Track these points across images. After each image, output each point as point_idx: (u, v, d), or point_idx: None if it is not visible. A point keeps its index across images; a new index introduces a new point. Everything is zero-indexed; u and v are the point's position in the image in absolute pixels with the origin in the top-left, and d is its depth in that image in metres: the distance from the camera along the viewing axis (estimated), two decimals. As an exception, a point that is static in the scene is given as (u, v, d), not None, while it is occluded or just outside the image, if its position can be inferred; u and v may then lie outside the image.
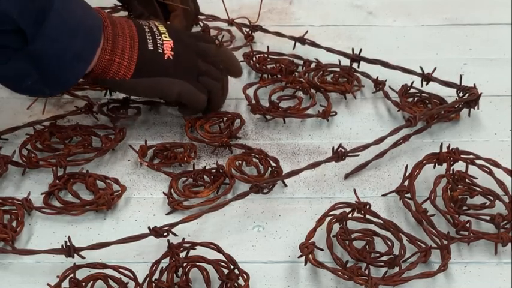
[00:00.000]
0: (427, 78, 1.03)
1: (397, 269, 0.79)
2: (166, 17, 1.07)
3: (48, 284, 0.77)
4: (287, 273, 0.81)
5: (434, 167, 0.92)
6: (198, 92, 0.96)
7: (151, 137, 0.99)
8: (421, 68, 1.04)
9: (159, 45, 0.94)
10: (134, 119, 1.00)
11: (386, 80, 1.05)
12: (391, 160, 0.95)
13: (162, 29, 0.96)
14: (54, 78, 0.88)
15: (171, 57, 0.94)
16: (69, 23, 0.86)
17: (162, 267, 0.79)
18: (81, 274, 0.78)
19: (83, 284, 0.77)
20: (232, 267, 0.78)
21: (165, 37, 0.95)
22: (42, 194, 0.89)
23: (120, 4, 1.14)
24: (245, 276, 0.78)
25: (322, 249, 0.81)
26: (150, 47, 0.93)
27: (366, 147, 0.91)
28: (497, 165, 0.90)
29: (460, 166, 0.91)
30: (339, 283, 0.79)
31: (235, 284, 0.77)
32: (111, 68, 0.91)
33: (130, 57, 0.91)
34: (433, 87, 1.04)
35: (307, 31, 1.12)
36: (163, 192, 0.90)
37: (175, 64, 0.94)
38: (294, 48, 1.11)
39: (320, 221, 0.83)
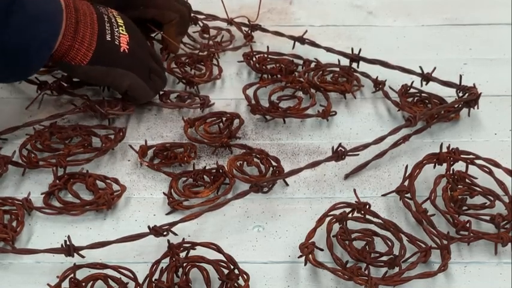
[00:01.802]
0: (426, 78, 1.03)
1: (397, 269, 0.79)
2: (156, 26, 1.09)
3: (48, 284, 0.77)
4: (287, 273, 0.81)
5: (434, 167, 0.92)
6: (148, 88, 1.00)
7: (151, 137, 0.99)
8: (420, 68, 1.04)
9: (116, 37, 0.97)
10: (127, 114, 1.00)
11: (386, 80, 1.05)
12: (391, 160, 0.95)
13: (120, 21, 0.99)
14: (19, 66, 0.90)
15: (126, 50, 0.97)
16: (31, 12, 0.87)
17: (162, 267, 0.79)
18: (81, 274, 0.78)
19: (83, 284, 0.77)
20: (232, 267, 0.78)
21: (122, 30, 0.98)
22: (42, 194, 0.89)
23: None
24: (245, 276, 0.78)
25: (322, 249, 0.81)
26: (108, 37, 0.96)
27: (365, 146, 0.91)
28: (497, 165, 0.90)
29: (460, 166, 0.91)
30: (339, 283, 0.79)
31: (235, 284, 0.77)
32: (70, 52, 0.93)
33: (89, 45, 0.94)
34: (432, 87, 1.04)
35: (306, 31, 1.12)
36: (163, 192, 0.90)
37: (129, 58, 0.97)
38: (293, 48, 1.11)
39: (320, 221, 0.83)
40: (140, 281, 0.78)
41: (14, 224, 0.85)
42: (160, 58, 1.07)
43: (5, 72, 0.90)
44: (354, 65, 1.08)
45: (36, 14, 0.88)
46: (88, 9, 0.96)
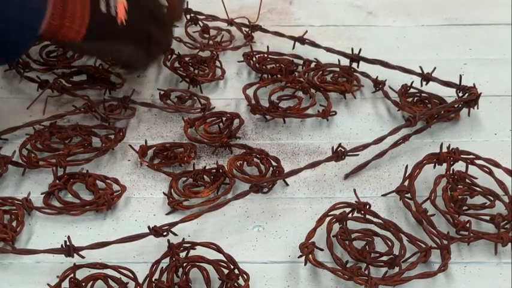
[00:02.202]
0: (426, 78, 1.03)
1: (397, 269, 0.79)
2: None
3: (48, 284, 0.77)
4: (287, 273, 0.81)
5: (434, 167, 0.92)
6: (148, 56, 0.99)
7: (151, 137, 0.99)
8: (420, 68, 1.04)
9: (112, 6, 0.92)
10: (127, 119, 1.00)
11: (386, 80, 1.05)
12: (391, 160, 0.95)
13: None
14: (3, 50, 0.88)
15: (124, 21, 0.93)
16: None
17: (162, 267, 0.79)
18: (81, 274, 0.78)
19: (83, 284, 0.77)
20: (232, 267, 0.78)
21: None
22: (42, 194, 0.89)
23: None
24: (245, 276, 0.78)
25: (322, 249, 0.81)
26: (103, 8, 0.91)
27: (365, 146, 0.91)
28: (497, 165, 0.90)
29: (460, 166, 0.91)
30: (339, 283, 0.79)
31: (235, 284, 0.77)
32: (61, 31, 0.89)
33: (81, 21, 0.90)
34: (432, 87, 1.04)
35: (306, 31, 1.12)
36: (163, 192, 0.90)
37: (127, 29, 0.93)
38: (293, 48, 1.11)
39: (320, 221, 0.83)
40: (140, 281, 0.78)
41: (14, 224, 0.85)
42: (164, 14, 1.01)
43: None
44: (354, 65, 1.08)
45: None
46: None
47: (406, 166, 0.90)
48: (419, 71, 1.04)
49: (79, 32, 0.90)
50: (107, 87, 1.04)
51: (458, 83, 1.02)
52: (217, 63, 1.10)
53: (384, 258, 0.80)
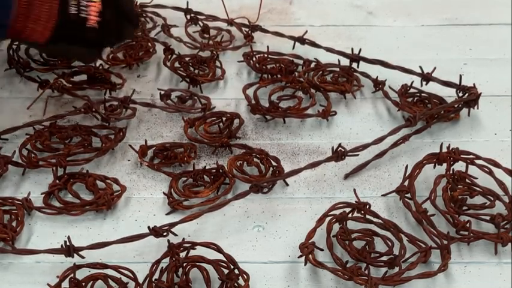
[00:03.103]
0: (426, 78, 1.03)
1: (397, 269, 0.79)
2: None
3: (48, 284, 0.77)
4: (287, 273, 0.81)
5: (434, 167, 0.92)
6: (99, 54, 0.96)
7: (151, 137, 0.99)
8: (420, 68, 1.04)
9: (82, 7, 0.88)
10: (128, 119, 1.00)
11: (386, 80, 1.05)
12: (391, 160, 0.95)
13: None
14: None
15: (95, 24, 0.89)
16: None
17: (162, 267, 0.79)
18: (81, 274, 0.78)
19: (83, 284, 0.77)
20: (232, 267, 0.79)
21: None
22: (42, 194, 0.89)
23: None
24: (245, 276, 0.78)
25: (322, 249, 0.81)
26: (73, 10, 0.88)
27: (365, 146, 0.91)
28: (497, 165, 0.90)
29: (460, 166, 0.91)
30: (339, 283, 0.79)
31: (235, 284, 0.77)
32: (24, 31, 0.87)
33: (46, 22, 0.87)
34: (432, 87, 1.04)
35: (306, 31, 1.12)
36: (163, 192, 0.90)
37: (97, 34, 0.90)
38: (293, 48, 1.11)
39: (320, 221, 0.83)
40: (140, 281, 0.78)
41: (14, 224, 0.85)
42: (134, 10, 0.98)
43: None
44: (354, 65, 1.08)
45: None
46: None
47: (406, 166, 0.90)
48: (419, 71, 1.04)
49: (43, 34, 0.88)
50: (107, 88, 1.04)
51: (458, 83, 1.02)
52: (217, 63, 1.10)
53: (384, 258, 0.80)
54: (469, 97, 0.99)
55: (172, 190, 0.89)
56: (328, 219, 0.84)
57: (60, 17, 0.87)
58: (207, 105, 1.01)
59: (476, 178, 0.89)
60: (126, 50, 1.11)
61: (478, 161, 0.90)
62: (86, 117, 1.01)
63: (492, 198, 0.86)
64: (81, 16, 0.88)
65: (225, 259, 0.79)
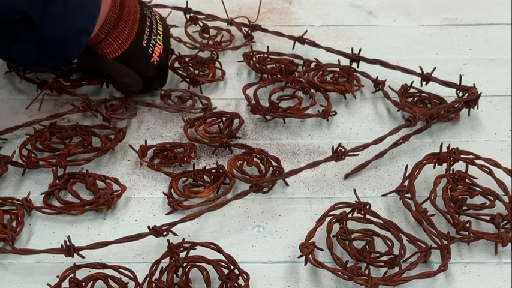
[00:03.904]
0: (426, 78, 1.03)
1: (397, 269, 0.79)
2: None
3: (48, 284, 0.77)
4: (287, 273, 0.81)
5: (434, 167, 0.92)
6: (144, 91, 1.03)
7: (151, 137, 0.99)
8: (420, 68, 1.04)
9: (151, 45, 0.98)
10: (129, 119, 1.00)
11: (386, 80, 1.05)
12: (391, 160, 0.95)
13: (160, 29, 0.99)
14: (58, 53, 0.91)
15: (155, 63, 0.99)
16: (70, 2, 0.88)
17: (162, 267, 0.79)
18: (81, 274, 0.78)
19: (83, 284, 0.77)
20: (232, 267, 0.79)
21: (159, 40, 0.99)
22: (42, 194, 0.89)
23: None
24: (245, 276, 0.78)
25: (322, 249, 0.81)
26: (144, 43, 0.97)
27: (365, 146, 0.91)
28: (497, 165, 0.90)
29: (460, 166, 0.91)
30: (339, 283, 0.79)
31: (235, 284, 0.77)
32: (101, 43, 0.94)
33: (123, 43, 0.95)
34: (432, 87, 1.04)
35: (306, 31, 1.12)
36: (163, 192, 0.90)
37: (155, 70, 0.99)
38: (293, 48, 1.11)
39: (320, 221, 0.83)
40: (140, 281, 0.78)
41: (14, 224, 0.85)
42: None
43: (44, 59, 0.91)
44: (354, 65, 1.08)
45: (75, 4, 0.88)
46: (134, 8, 0.96)
47: (406, 166, 0.90)
48: (419, 71, 1.04)
49: (116, 51, 0.95)
50: (104, 81, 1.04)
51: (458, 83, 1.02)
52: (218, 65, 1.10)
53: (384, 258, 0.80)
54: (469, 97, 0.99)
55: (172, 190, 0.89)
56: (328, 219, 0.84)
57: (133, 45, 0.96)
58: (208, 106, 1.01)
59: (476, 178, 0.89)
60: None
61: (478, 161, 0.90)
62: (86, 117, 1.01)
63: (492, 198, 0.86)
64: (148, 51, 0.97)
65: (225, 259, 0.79)
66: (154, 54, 0.98)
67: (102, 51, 0.95)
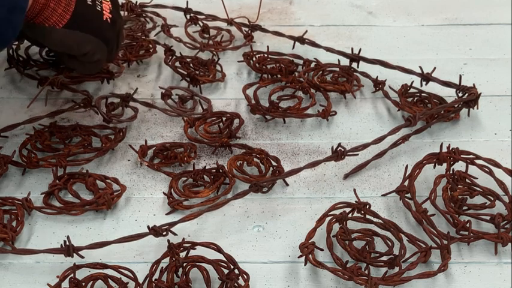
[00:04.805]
0: (426, 78, 1.03)
1: (397, 269, 0.79)
2: None
3: (48, 284, 0.77)
4: (287, 273, 0.81)
5: (434, 167, 0.92)
6: (107, 61, 0.95)
7: (151, 137, 0.99)
8: (420, 68, 1.04)
9: (98, 2, 0.90)
10: (129, 121, 1.00)
11: (386, 80, 1.05)
12: (391, 160, 0.95)
13: None
14: None
15: (108, 20, 0.90)
16: None
17: (162, 267, 0.79)
18: (81, 274, 0.78)
19: (83, 284, 0.77)
20: (232, 267, 0.79)
21: None
22: (42, 194, 0.89)
23: None
24: (245, 276, 0.78)
25: (322, 249, 0.81)
26: (89, 1, 0.89)
27: (365, 146, 0.91)
28: (497, 165, 0.90)
29: (460, 166, 0.91)
30: (339, 283, 0.79)
31: (235, 284, 0.77)
32: (44, 12, 0.86)
33: (67, 6, 0.87)
34: (432, 87, 1.04)
35: (306, 31, 1.12)
36: (163, 192, 0.90)
37: (111, 29, 0.91)
38: (293, 48, 1.11)
39: (320, 221, 0.83)
40: (140, 281, 0.78)
41: (14, 223, 0.85)
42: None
43: None
44: (354, 65, 1.08)
45: None
46: None
47: (406, 166, 0.90)
48: (419, 71, 1.04)
49: (63, 17, 0.87)
50: (105, 77, 1.04)
51: (458, 83, 1.02)
52: (218, 67, 1.09)
53: (384, 258, 0.80)
54: (469, 97, 0.99)
55: (172, 190, 0.89)
56: (328, 219, 0.84)
57: (78, 6, 0.87)
58: (208, 110, 1.01)
59: (476, 178, 0.89)
60: (126, 49, 1.11)
61: (478, 161, 0.90)
62: (86, 117, 1.01)
63: (492, 198, 0.86)
64: (97, 9, 0.88)
65: (225, 259, 0.79)
66: (104, 11, 0.90)
67: (48, 21, 0.86)
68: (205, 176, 0.91)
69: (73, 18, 0.87)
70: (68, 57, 0.94)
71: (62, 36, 0.88)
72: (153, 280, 0.78)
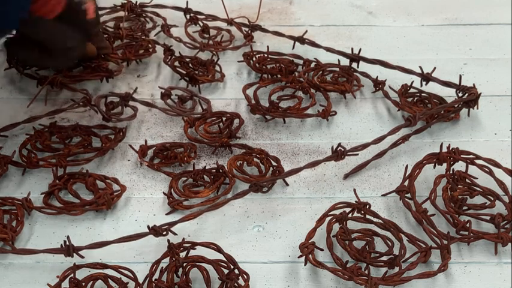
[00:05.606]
0: (426, 78, 1.03)
1: (397, 269, 0.79)
2: None
3: (48, 284, 0.77)
4: (287, 273, 0.81)
5: (434, 167, 0.92)
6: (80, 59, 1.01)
7: (151, 137, 0.99)
8: (420, 68, 1.04)
9: (83, 1, 0.95)
10: (129, 120, 1.00)
11: (386, 80, 1.05)
12: (391, 160, 0.95)
13: None
14: (2, 19, 0.87)
15: (92, 19, 0.96)
16: None
17: (162, 267, 0.79)
18: (81, 274, 0.78)
19: (83, 284, 0.77)
20: (232, 267, 0.79)
21: None
22: (42, 194, 0.89)
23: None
24: (245, 276, 0.78)
25: (322, 249, 0.81)
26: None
27: (365, 146, 0.91)
28: (497, 165, 0.90)
29: (460, 166, 0.91)
30: (339, 283, 0.79)
31: (235, 284, 0.77)
32: (37, 2, 0.90)
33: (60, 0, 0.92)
34: (432, 87, 1.04)
35: (306, 31, 1.12)
36: (163, 192, 0.90)
37: (93, 28, 0.97)
38: (293, 48, 1.11)
39: (320, 221, 0.83)
40: (140, 281, 0.78)
41: (14, 223, 0.85)
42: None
43: None
44: (354, 65, 1.08)
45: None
46: None
47: (406, 166, 0.90)
48: (419, 71, 1.04)
49: (54, 9, 0.91)
50: (104, 75, 1.04)
51: (458, 83, 1.02)
52: (217, 68, 1.09)
53: (384, 258, 0.80)
54: (469, 97, 0.99)
55: (172, 190, 0.89)
56: (328, 219, 0.84)
57: (67, 2, 0.91)
58: (208, 110, 1.00)
59: (476, 178, 0.89)
60: (126, 48, 1.11)
61: (478, 161, 0.90)
62: (86, 117, 1.01)
63: (492, 198, 0.86)
64: (82, 7, 0.93)
65: (225, 259, 0.79)
66: (89, 11, 0.95)
67: (39, 11, 0.90)
68: (205, 176, 0.91)
69: (63, 12, 0.91)
70: (39, 52, 0.96)
71: (49, 27, 0.92)
72: (153, 280, 0.78)
